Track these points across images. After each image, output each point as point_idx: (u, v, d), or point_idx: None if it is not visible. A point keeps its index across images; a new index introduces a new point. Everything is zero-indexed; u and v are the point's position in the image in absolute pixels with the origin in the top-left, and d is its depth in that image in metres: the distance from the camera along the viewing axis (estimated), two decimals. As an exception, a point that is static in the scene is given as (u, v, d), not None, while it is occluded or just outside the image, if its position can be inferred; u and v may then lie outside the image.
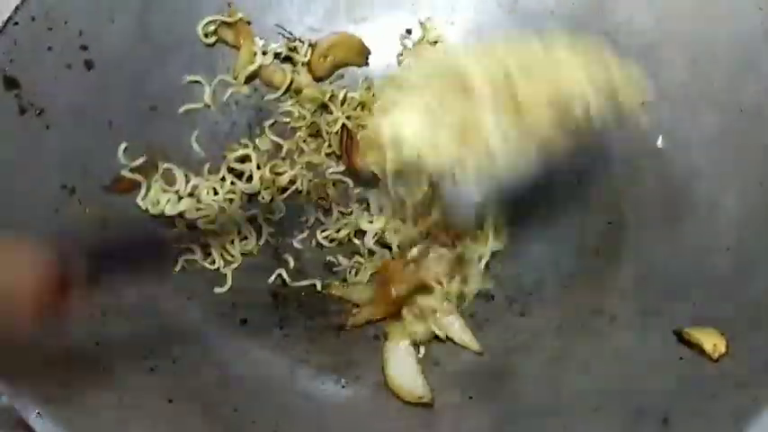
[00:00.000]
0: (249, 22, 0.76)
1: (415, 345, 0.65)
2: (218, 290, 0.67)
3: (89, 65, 0.66)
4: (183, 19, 0.72)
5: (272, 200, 0.72)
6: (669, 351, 0.58)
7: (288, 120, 0.76)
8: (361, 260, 0.70)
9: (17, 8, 0.61)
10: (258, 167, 0.72)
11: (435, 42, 0.79)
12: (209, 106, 0.74)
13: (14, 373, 0.45)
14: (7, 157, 0.58)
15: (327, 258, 0.70)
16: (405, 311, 0.66)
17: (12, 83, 0.59)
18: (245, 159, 0.73)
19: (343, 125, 0.74)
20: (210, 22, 0.74)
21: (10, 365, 0.45)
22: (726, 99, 0.66)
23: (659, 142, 0.66)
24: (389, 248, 0.70)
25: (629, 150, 0.72)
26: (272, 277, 0.69)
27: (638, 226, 0.69)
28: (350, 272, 0.70)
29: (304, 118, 0.75)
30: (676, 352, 0.57)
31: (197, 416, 0.54)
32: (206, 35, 0.74)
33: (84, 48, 0.65)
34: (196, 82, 0.74)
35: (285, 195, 0.72)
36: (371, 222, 0.71)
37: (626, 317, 0.63)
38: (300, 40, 0.77)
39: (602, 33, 0.74)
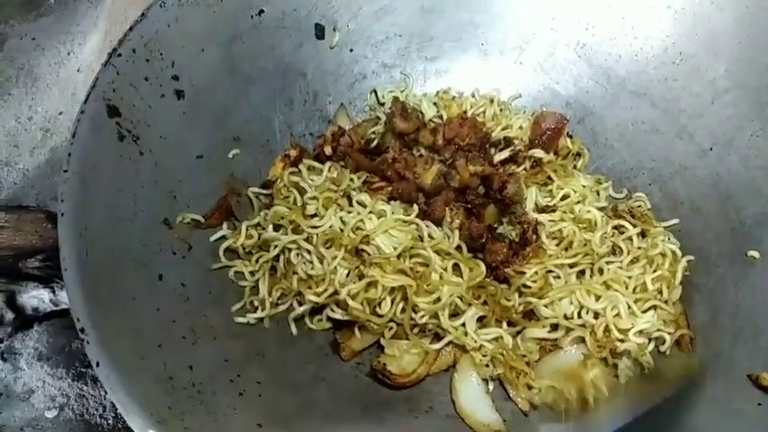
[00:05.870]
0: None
1: (485, 380, 0.67)
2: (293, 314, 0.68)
3: (179, 94, 0.69)
4: (267, 50, 0.75)
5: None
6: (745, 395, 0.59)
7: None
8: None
9: (120, 41, 0.64)
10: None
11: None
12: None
13: (132, 397, 0.47)
14: (108, 178, 0.60)
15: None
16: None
17: (114, 111, 0.62)
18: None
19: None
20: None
21: (132, 392, 0.47)
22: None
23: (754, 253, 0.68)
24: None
25: (697, 196, 0.74)
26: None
27: (707, 270, 0.70)
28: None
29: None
30: (752, 397, 0.58)
31: (284, 440, 0.56)
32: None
33: (176, 78, 0.68)
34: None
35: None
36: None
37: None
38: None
39: (670, 79, 0.77)
